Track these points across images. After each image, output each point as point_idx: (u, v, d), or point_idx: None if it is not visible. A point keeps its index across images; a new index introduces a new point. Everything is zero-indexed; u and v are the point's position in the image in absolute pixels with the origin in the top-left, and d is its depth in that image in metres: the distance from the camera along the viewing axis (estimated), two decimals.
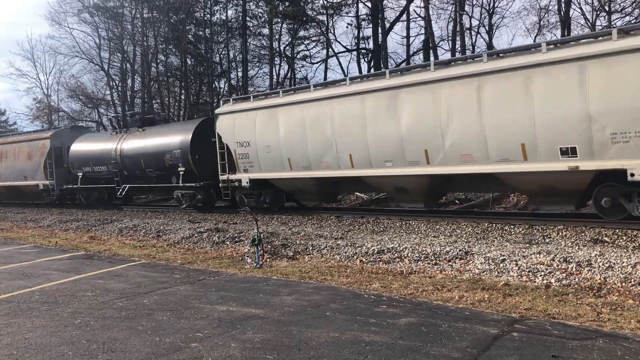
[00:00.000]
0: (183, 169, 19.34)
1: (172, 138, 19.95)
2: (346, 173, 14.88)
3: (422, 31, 30.34)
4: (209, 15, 38.32)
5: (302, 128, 15.51)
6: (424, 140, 12.95)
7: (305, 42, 35.67)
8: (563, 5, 25.44)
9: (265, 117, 16.60)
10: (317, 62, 35.71)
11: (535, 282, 7.20)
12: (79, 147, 24.44)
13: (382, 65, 28.81)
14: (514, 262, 7.92)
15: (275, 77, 36.48)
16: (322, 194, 16.64)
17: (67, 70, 67.55)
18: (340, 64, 34.62)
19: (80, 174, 24.14)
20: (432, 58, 27.85)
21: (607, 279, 6.97)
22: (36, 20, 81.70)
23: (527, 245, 9.54)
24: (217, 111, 18.60)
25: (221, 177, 18.15)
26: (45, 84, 50.38)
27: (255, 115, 16.96)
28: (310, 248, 10.34)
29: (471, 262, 8.36)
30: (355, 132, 14.30)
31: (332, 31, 34.59)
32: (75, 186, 24.45)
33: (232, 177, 17.86)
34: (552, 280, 7.13)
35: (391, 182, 14.20)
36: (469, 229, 11.74)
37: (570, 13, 25.50)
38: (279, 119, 16.18)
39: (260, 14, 36.89)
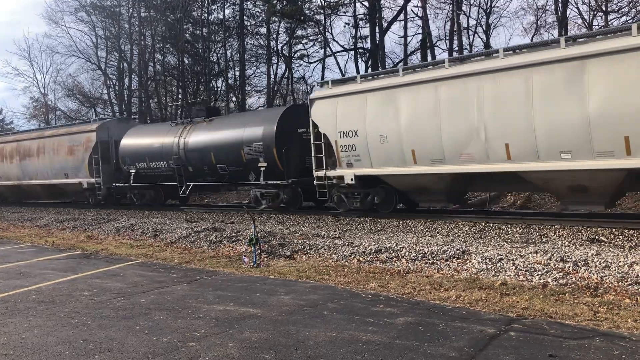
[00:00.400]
0: (265, 164, 16.83)
1: (251, 129, 17.22)
2: (499, 167, 11.99)
3: (420, 31, 30.37)
4: (206, 15, 38.30)
5: (433, 112, 12.73)
6: (624, 124, 10.14)
7: (302, 42, 35.67)
8: (560, 5, 25.48)
9: (380, 101, 13.82)
10: (314, 62, 35.70)
11: (532, 281, 7.21)
12: (131, 140, 21.75)
13: (379, 65, 28.81)
14: (511, 262, 7.93)
15: (272, 76, 36.48)
16: (451, 193, 13.69)
17: (64, 70, 67.40)
18: (337, 63, 34.64)
19: (132, 171, 21.44)
20: (429, 57, 27.88)
21: (604, 279, 6.99)
22: (33, 19, 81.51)
23: (524, 244, 9.56)
24: (312, 96, 15.80)
25: (316, 174, 15.49)
26: (42, 83, 50.49)
27: (364, 99, 14.18)
28: (308, 247, 10.34)
29: (468, 261, 8.37)
30: (515, 115, 11.52)
31: (330, 30, 34.57)
32: (127, 184, 21.82)
33: (331, 173, 15.14)
34: (549, 280, 7.15)
35: (567, 179, 11.31)
36: (466, 229, 11.76)
37: (567, 13, 25.56)
38: (399, 102, 13.41)
39: (257, 13, 36.87)
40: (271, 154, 16.59)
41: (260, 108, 28.25)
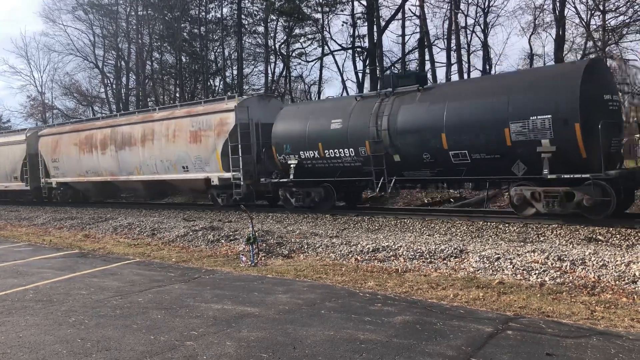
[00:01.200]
0: (552, 149, 11.40)
1: (527, 96, 11.80)
2: None
3: (418, 30, 30.39)
4: (204, 13, 38.28)
5: None
6: None
7: (300, 40, 35.68)
8: (558, 5, 25.51)
9: None
10: (312, 60, 35.71)
11: (529, 280, 7.23)
12: (291, 122, 16.61)
13: (377, 64, 28.81)
14: (509, 261, 7.94)
15: (270, 75, 36.47)
16: None
17: (62, 68, 67.18)
18: (335, 62, 34.83)
19: (292, 163, 16.22)
20: (427, 56, 27.97)
21: (601, 277, 7.00)
22: (30, 18, 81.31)
23: (522, 243, 9.57)
24: None
25: None
26: (39, 82, 50.30)
27: None
28: (306, 246, 10.34)
29: (466, 260, 8.38)
30: None
31: (328, 29, 34.58)
32: (284, 180, 16.62)
33: None
34: (547, 279, 7.16)
35: None
36: (464, 228, 11.77)
37: (565, 12, 25.60)
38: None
39: (255, 12, 36.89)
40: (569, 133, 11.19)
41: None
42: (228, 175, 17.53)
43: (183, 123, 18.91)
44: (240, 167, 17.19)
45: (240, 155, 17.18)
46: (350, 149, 14.95)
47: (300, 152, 16.09)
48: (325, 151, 15.50)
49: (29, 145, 25.94)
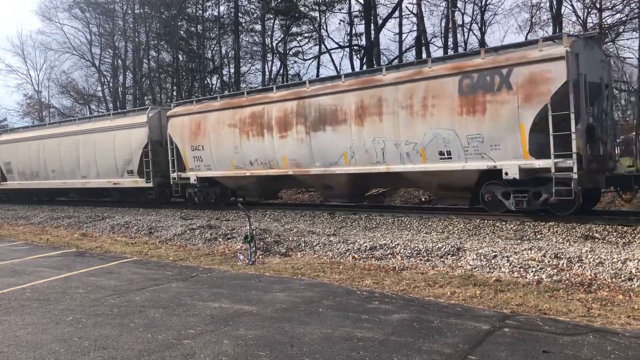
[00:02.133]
0: None
1: None
2: None
3: (415, 28, 30.42)
4: (201, 11, 38.24)
5: None
6: None
7: (297, 39, 35.68)
8: (555, 2, 25.54)
9: None
10: (309, 59, 35.75)
11: (526, 278, 7.25)
12: None
13: (374, 62, 28.80)
14: (506, 258, 7.96)
15: (267, 73, 36.45)
16: None
17: (58, 67, 66.87)
18: (332, 60, 34.86)
19: None
20: (424, 54, 27.97)
21: (598, 275, 7.02)
22: (27, 16, 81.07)
23: (519, 241, 9.59)
24: None
25: None
26: (36, 80, 50.20)
27: None
28: (303, 245, 10.35)
29: (463, 258, 8.39)
30: None
31: (325, 28, 34.62)
32: None
33: None
34: (544, 276, 7.18)
35: None
36: (461, 225, 11.78)
37: (562, 10, 25.63)
38: None
39: (252, 10, 36.87)
40: None
41: None
42: (543, 163, 11.24)
43: (444, 85, 12.46)
44: (573, 150, 10.87)
45: (573, 131, 10.84)
46: None
47: None
48: None
49: (151, 129, 19.81)
